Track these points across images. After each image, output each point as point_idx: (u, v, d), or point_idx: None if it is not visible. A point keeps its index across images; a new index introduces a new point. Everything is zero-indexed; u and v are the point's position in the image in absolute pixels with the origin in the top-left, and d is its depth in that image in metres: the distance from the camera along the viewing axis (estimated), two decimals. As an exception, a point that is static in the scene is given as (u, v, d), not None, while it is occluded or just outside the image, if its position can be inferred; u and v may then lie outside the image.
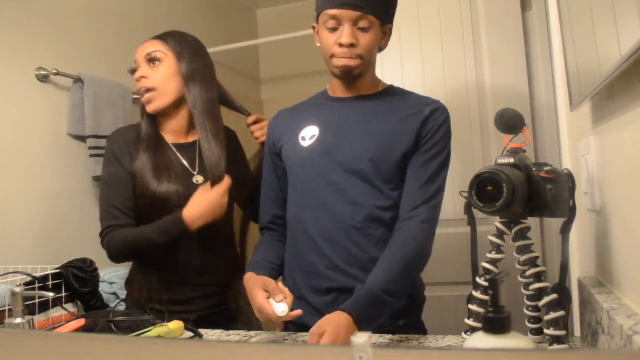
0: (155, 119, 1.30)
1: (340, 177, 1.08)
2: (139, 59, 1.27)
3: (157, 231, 1.19)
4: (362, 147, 1.08)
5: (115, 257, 1.25)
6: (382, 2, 1.08)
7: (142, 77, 1.25)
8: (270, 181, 1.23)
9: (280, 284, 1.01)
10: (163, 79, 1.25)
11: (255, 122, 1.36)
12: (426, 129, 1.08)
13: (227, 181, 1.22)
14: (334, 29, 1.08)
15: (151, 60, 1.25)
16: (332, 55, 1.09)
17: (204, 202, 1.20)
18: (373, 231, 1.07)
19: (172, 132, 1.31)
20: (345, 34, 1.05)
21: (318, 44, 1.13)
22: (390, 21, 1.13)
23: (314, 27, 1.15)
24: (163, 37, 1.28)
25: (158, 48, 1.26)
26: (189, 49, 1.28)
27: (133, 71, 1.28)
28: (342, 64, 1.08)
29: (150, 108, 1.26)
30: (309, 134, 1.14)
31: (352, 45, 1.06)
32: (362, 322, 0.90)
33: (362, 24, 1.06)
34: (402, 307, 1.04)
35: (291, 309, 0.94)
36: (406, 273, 1.00)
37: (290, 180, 1.16)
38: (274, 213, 1.22)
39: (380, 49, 1.15)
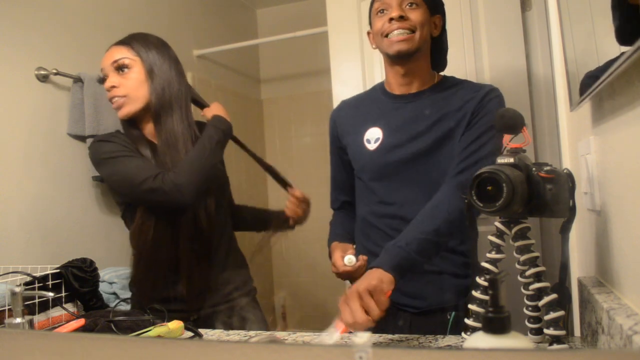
0: (135, 123, 1.29)
1: (405, 176, 1.15)
2: (105, 67, 1.25)
3: (211, 133, 1.25)
4: (425, 144, 1.13)
5: (192, 185, 1.19)
6: None
7: (113, 86, 1.24)
8: (338, 171, 1.32)
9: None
10: (133, 87, 1.24)
11: (297, 198, 1.38)
12: (478, 109, 1.12)
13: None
14: (383, 11, 1.14)
15: (119, 68, 1.24)
16: (386, 35, 1.14)
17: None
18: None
19: (150, 133, 1.30)
20: (394, 8, 1.12)
21: (373, 46, 1.21)
22: (439, 12, 1.18)
23: (369, 34, 1.22)
24: (128, 42, 1.26)
25: (125, 55, 1.24)
26: (154, 51, 1.27)
27: (102, 80, 1.27)
28: (395, 39, 1.13)
29: (121, 114, 1.25)
30: (373, 137, 1.19)
31: (401, 17, 1.11)
32: (394, 273, 0.96)
33: (410, 0, 1.12)
34: (464, 287, 1.10)
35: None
36: (436, 233, 1.03)
37: (359, 179, 1.23)
38: (343, 200, 1.32)
39: (433, 38, 1.19)
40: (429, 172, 1.13)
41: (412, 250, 0.98)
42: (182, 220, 1.24)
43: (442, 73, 1.24)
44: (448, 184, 1.09)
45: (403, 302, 1.15)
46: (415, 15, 1.13)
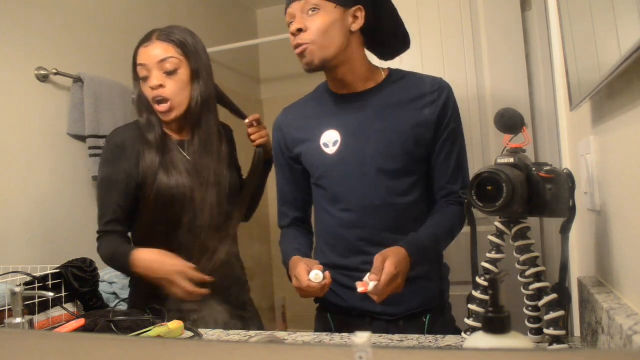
0: (173, 123, 1.28)
1: (371, 179, 1.10)
2: (149, 64, 1.21)
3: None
4: (386, 145, 1.09)
5: (105, 263, 1.26)
6: None
7: (160, 85, 1.20)
8: (286, 184, 1.23)
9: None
10: (179, 90, 1.22)
11: (252, 124, 1.35)
12: (442, 117, 1.11)
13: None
14: (290, 23, 1.08)
15: (167, 67, 1.21)
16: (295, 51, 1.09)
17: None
18: (401, 222, 1.12)
19: (175, 131, 1.30)
20: (295, 24, 1.06)
21: None
22: (357, 2, 1.08)
23: None
24: (174, 40, 1.22)
25: (173, 55, 1.21)
26: (196, 49, 1.26)
27: (139, 78, 1.23)
28: (297, 52, 1.08)
29: (168, 118, 1.23)
30: (331, 140, 1.12)
31: (299, 30, 1.06)
32: (415, 257, 1.01)
33: (309, 6, 1.05)
34: (437, 289, 1.14)
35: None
36: (447, 237, 1.11)
37: (317, 186, 1.17)
38: (295, 216, 1.24)
39: (366, 29, 1.11)
40: (395, 173, 1.10)
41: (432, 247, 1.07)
42: (181, 221, 1.24)
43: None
44: (451, 207, 1.12)
45: (377, 310, 1.11)
46: (315, 23, 1.05)
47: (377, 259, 0.97)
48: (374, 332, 1.08)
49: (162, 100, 1.22)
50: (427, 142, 1.10)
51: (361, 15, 1.09)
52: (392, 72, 1.17)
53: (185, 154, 1.28)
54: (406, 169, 1.10)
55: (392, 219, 1.10)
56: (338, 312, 1.17)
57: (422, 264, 1.05)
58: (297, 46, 1.07)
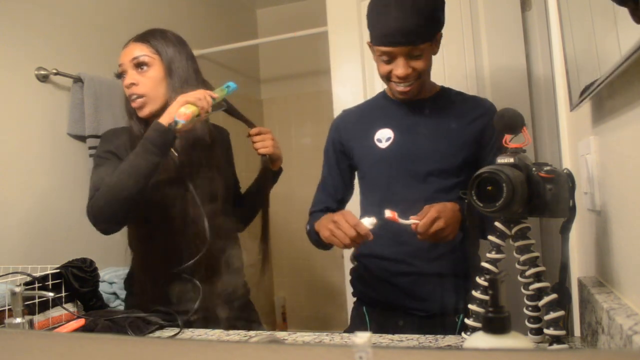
0: (147, 121, 1.29)
1: (419, 176, 1.17)
2: (125, 63, 1.26)
3: (140, 150, 1.13)
4: (437, 146, 1.17)
5: (103, 216, 1.17)
6: (431, 22, 1.11)
7: (132, 84, 1.24)
8: (331, 177, 1.31)
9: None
10: (153, 85, 1.24)
11: (259, 133, 1.35)
12: (487, 129, 1.18)
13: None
14: (388, 61, 1.14)
15: (139, 65, 1.24)
16: (390, 82, 1.17)
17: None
18: None
19: None
20: (400, 67, 1.12)
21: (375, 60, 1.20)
22: (441, 28, 1.16)
23: (370, 45, 1.20)
24: (147, 39, 1.26)
25: (144, 52, 1.25)
26: (173, 48, 1.27)
27: (119, 75, 1.28)
28: (400, 90, 1.16)
29: (142, 114, 1.26)
30: (384, 136, 1.21)
31: (407, 75, 1.13)
32: (464, 216, 1.03)
33: (416, 52, 1.11)
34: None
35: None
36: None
37: (366, 180, 1.25)
38: (328, 205, 1.29)
39: (434, 54, 1.19)
40: (441, 172, 1.16)
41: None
42: (180, 220, 1.24)
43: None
44: None
45: (411, 305, 1.16)
46: (421, 65, 1.13)
47: (425, 207, 1.04)
48: (407, 327, 1.14)
49: (136, 97, 1.25)
50: (474, 148, 1.18)
51: (440, 38, 1.17)
52: (445, 88, 1.28)
53: (174, 151, 1.28)
54: (452, 170, 1.17)
55: None
56: (373, 305, 1.23)
57: (472, 225, 1.05)
58: (407, 85, 1.16)
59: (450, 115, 1.21)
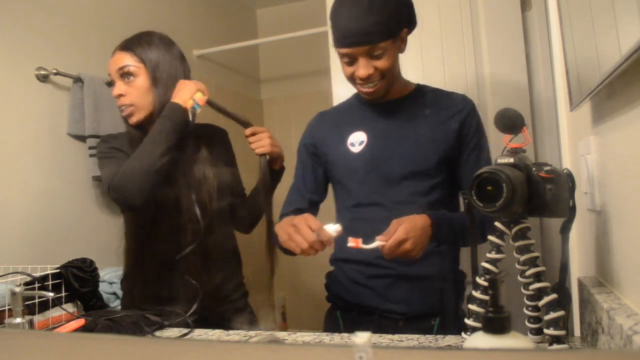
0: (143, 125, 1.30)
1: (393, 180, 1.14)
2: (112, 74, 1.27)
3: (160, 128, 1.19)
4: (411, 149, 1.15)
5: (134, 188, 1.17)
6: (391, 20, 1.08)
7: (120, 95, 1.25)
8: (303, 179, 1.27)
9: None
10: (139, 95, 1.25)
11: (253, 134, 1.34)
12: (464, 128, 1.16)
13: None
14: (350, 63, 1.11)
15: (124, 75, 1.25)
16: (355, 83, 1.14)
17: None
18: None
19: None
20: (361, 67, 1.09)
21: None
22: (405, 26, 1.13)
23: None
24: (131, 47, 1.26)
25: (129, 62, 1.25)
26: (158, 53, 1.27)
27: (110, 84, 1.28)
28: (365, 92, 1.14)
29: (132, 121, 1.27)
30: (357, 140, 1.18)
31: (369, 76, 1.10)
32: (437, 229, 1.02)
33: (376, 51, 1.08)
34: (449, 293, 1.15)
35: None
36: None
37: (340, 185, 1.22)
38: (299, 207, 1.25)
39: (401, 52, 1.17)
40: (416, 175, 1.14)
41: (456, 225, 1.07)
42: (178, 220, 1.24)
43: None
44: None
45: (387, 308, 1.13)
46: (384, 64, 1.10)
47: (393, 222, 1.00)
48: (382, 330, 1.09)
49: (125, 107, 1.26)
50: (450, 148, 1.15)
51: (405, 36, 1.14)
52: (419, 86, 1.24)
53: None
54: (428, 172, 1.14)
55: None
56: (347, 309, 1.19)
57: (444, 239, 1.08)
58: (371, 86, 1.13)
59: (425, 115, 1.18)
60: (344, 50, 1.09)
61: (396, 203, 1.13)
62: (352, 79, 1.14)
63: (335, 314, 1.21)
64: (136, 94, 1.25)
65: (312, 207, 1.27)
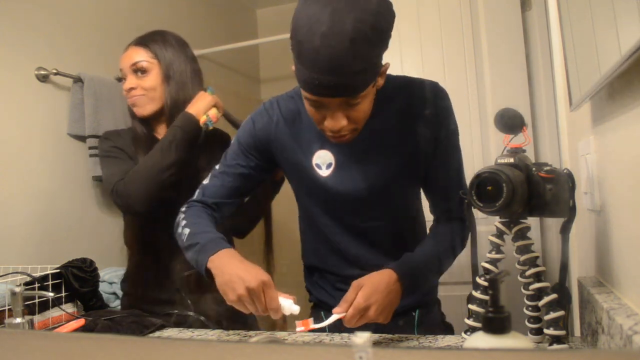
0: (148, 123, 1.30)
1: (367, 205, 1.05)
2: (124, 69, 1.28)
3: (170, 139, 1.20)
4: (380, 171, 1.03)
5: (141, 194, 1.17)
6: (378, 59, 0.87)
7: (132, 88, 1.26)
8: (233, 174, 1.08)
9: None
10: (151, 90, 1.27)
11: None
12: (435, 133, 1.02)
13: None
14: (318, 107, 0.91)
15: (137, 70, 1.26)
16: (321, 128, 0.95)
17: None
18: (398, 233, 1.10)
19: (160, 133, 1.33)
20: (332, 120, 0.89)
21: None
22: (381, 63, 0.91)
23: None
24: (146, 43, 1.27)
25: (143, 57, 1.26)
26: (172, 51, 1.28)
27: (120, 79, 1.30)
28: (334, 139, 0.96)
29: (140, 113, 1.28)
30: (324, 162, 1.04)
31: (342, 128, 0.91)
32: (407, 281, 0.93)
33: (355, 100, 0.88)
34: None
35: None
36: (448, 256, 1.04)
37: (303, 204, 1.14)
38: (216, 202, 1.08)
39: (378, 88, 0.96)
40: (389, 195, 1.05)
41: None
42: (166, 217, 1.24)
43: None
44: (451, 224, 1.05)
45: None
46: (358, 113, 0.91)
47: (353, 285, 0.90)
48: (366, 328, 1.06)
49: (135, 101, 1.27)
50: (422, 162, 1.04)
51: (385, 70, 0.94)
52: (384, 88, 0.97)
53: None
54: (401, 190, 1.07)
55: (388, 232, 1.09)
56: (330, 309, 1.17)
57: (417, 288, 0.98)
58: (341, 136, 0.94)
59: (391, 129, 1.02)
60: (314, 98, 0.88)
61: (367, 221, 1.07)
62: (317, 122, 0.94)
63: (320, 314, 1.20)
64: (148, 87, 1.27)
65: (216, 213, 1.09)
